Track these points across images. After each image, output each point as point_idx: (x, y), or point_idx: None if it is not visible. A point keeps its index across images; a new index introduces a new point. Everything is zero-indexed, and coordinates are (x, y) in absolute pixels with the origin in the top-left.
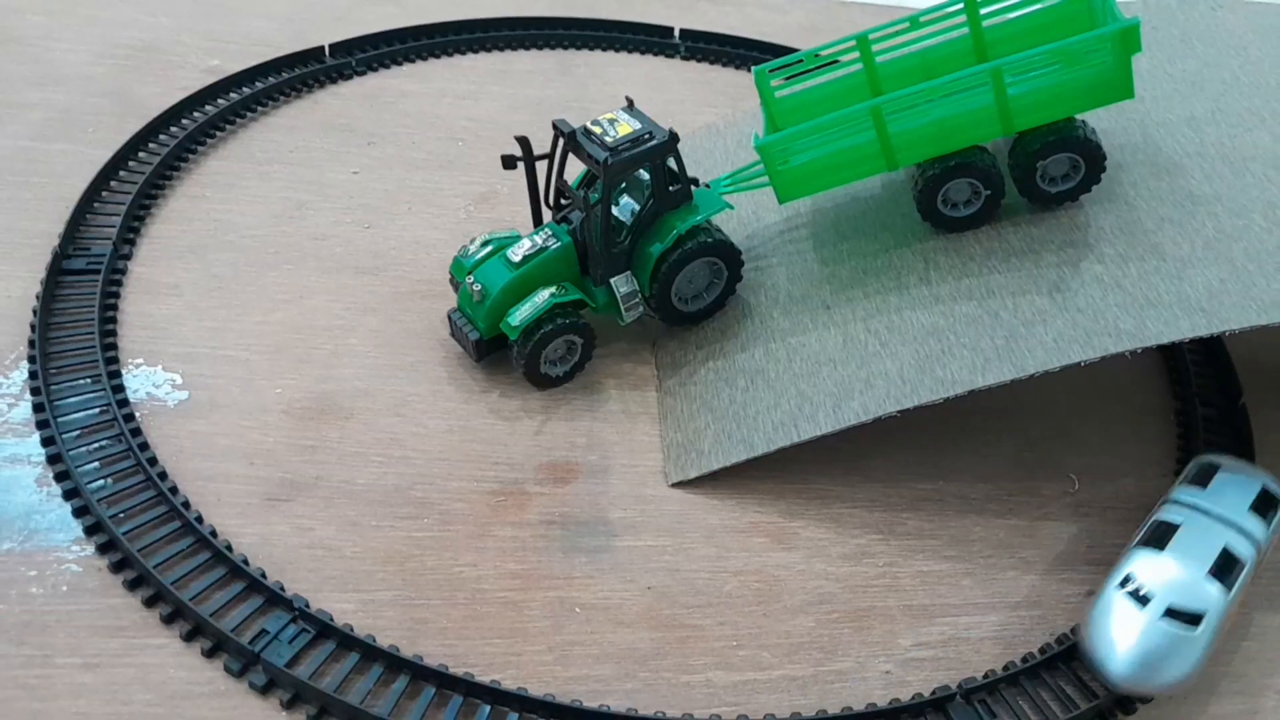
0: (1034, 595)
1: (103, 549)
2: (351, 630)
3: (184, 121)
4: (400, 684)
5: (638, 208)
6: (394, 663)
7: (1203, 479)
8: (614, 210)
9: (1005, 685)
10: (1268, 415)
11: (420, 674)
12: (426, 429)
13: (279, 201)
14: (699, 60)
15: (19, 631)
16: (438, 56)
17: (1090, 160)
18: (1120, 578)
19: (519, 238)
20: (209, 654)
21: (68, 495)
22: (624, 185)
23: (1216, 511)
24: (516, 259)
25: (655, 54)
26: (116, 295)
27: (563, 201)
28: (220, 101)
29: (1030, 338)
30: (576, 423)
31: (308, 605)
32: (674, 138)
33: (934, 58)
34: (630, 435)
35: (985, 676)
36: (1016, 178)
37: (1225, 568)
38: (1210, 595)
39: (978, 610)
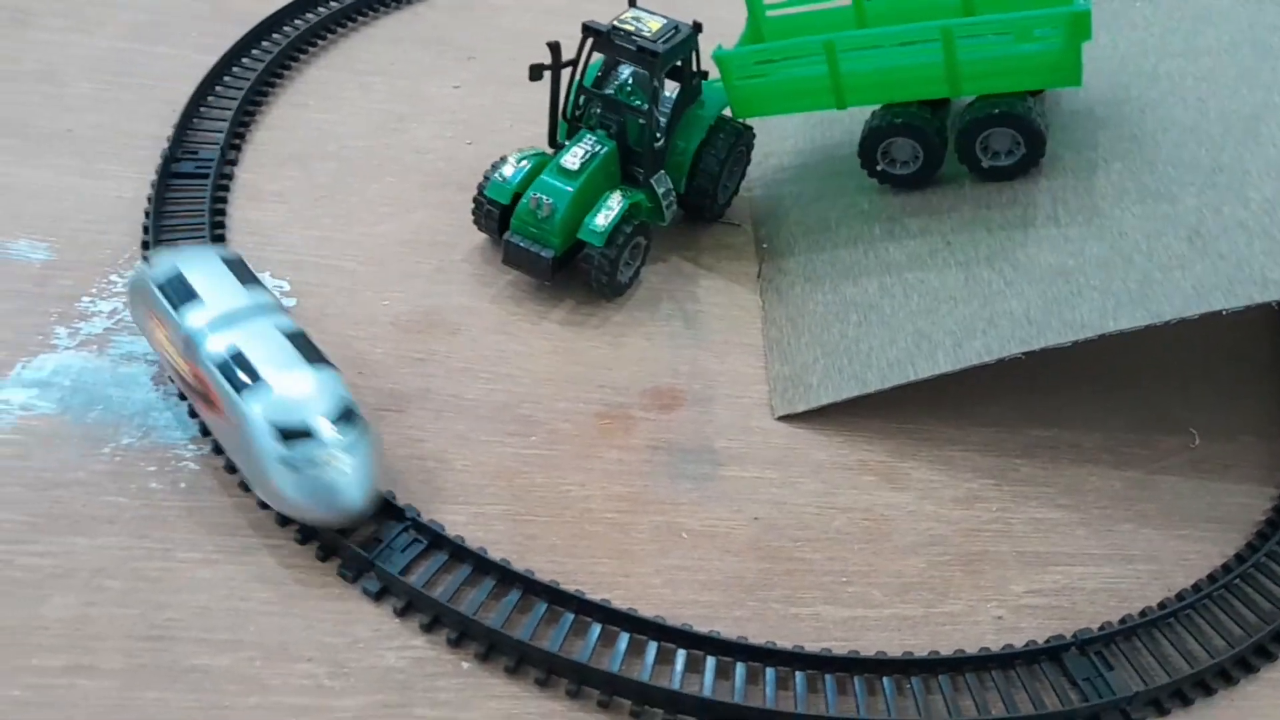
0: (1151, 550)
1: (219, 449)
2: (463, 542)
3: (286, 29)
4: (512, 598)
5: (670, 106)
6: (506, 576)
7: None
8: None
9: (1122, 638)
10: None
11: (532, 588)
12: (531, 349)
13: (380, 113)
14: None
15: (140, 525)
16: None
17: (1030, 140)
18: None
19: (541, 154)
20: (323, 558)
21: (182, 395)
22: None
23: None
24: (574, 167)
25: None
26: (224, 200)
27: (576, 112)
28: (321, 10)
29: (1167, 283)
30: (680, 350)
31: (419, 516)
32: (698, 27)
33: (921, 6)
34: (734, 366)
35: (1101, 629)
36: (958, 142)
37: None
38: None
39: (1092, 561)
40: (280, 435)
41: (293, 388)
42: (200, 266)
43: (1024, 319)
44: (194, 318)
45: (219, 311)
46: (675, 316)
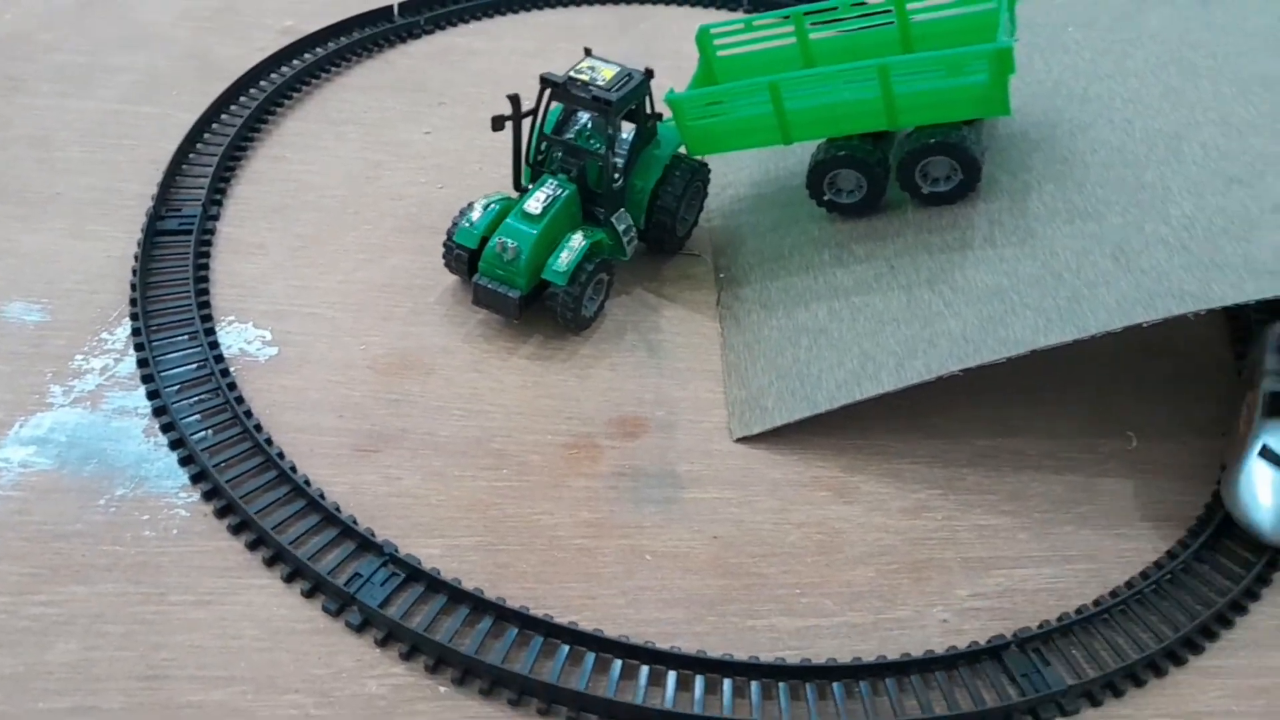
0: (1090, 550)
1: (208, 496)
2: (439, 573)
3: (262, 83)
4: (485, 624)
5: (627, 148)
6: (479, 604)
7: None
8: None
9: (1059, 635)
10: None
11: (503, 615)
12: (502, 384)
13: (356, 161)
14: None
15: (136, 571)
16: (503, 14)
17: (966, 167)
18: (1259, 447)
19: (506, 198)
20: (308, 594)
21: (173, 445)
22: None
23: None
24: (537, 211)
25: (718, 8)
26: (207, 255)
27: (538, 157)
28: (296, 63)
29: (1093, 299)
30: (644, 380)
31: (397, 550)
32: (650, 74)
33: (863, 43)
34: (695, 392)
35: (1040, 627)
36: (899, 171)
37: None
38: None
39: (1033, 563)
40: None
41: None
42: None
43: (961, 338)
44: None
45: None
46: (639, 346)
